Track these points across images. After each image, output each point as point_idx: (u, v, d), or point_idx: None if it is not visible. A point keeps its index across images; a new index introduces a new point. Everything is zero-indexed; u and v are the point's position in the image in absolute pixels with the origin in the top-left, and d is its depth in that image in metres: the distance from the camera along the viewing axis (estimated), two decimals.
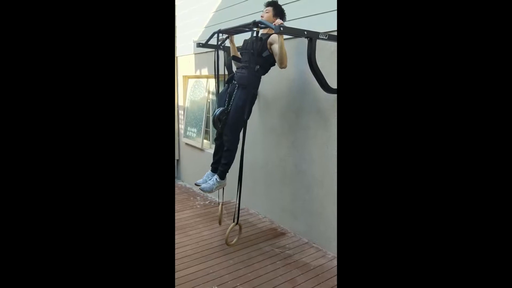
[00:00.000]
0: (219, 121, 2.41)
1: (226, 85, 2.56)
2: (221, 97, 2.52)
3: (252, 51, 2.23)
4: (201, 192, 4.09)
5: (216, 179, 2.51)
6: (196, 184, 2.64)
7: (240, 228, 2.53)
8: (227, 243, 2.40)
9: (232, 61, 2.72)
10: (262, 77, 2.50)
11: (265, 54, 2.39)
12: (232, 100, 2.39)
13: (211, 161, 2.67)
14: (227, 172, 2.53)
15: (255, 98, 2.48)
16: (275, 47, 2.30)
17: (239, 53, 2.62)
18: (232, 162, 2.49)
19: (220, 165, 2.52)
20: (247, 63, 2.35)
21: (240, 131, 2.35)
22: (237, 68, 2.54)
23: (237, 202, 2.33)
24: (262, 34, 2.42)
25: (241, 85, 2.37)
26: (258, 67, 2.38)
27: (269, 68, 2.50)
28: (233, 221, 2.39)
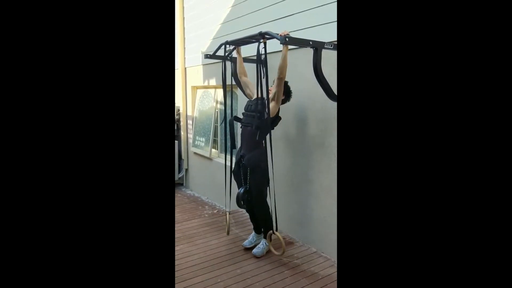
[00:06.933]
0: (242, 201, 2.58)
1: (235, 165, 2.70)
2: (237, 177, 2.71)
3: (254, 113, 2.43)
4: (210, 201, 4.17)
5: (264, 242, 2.70)
6: (244, 246, 2.80)
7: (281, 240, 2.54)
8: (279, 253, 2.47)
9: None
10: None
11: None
12: (248, 180, 2.58)
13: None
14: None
15: (267, 167, 2.48)
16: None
17: (242, 113, 2.68)
18: (272, 224, 2.56)
19: (263, 230, 2.74)
20: (249, 125, 2.52)
21: (266, 197, 2.58)
22: (241, 141, 2.66)
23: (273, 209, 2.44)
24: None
25: (250, 167, 2.53)
26: (258, 132, 2.42)
27: (268, 132, 2.43)
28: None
